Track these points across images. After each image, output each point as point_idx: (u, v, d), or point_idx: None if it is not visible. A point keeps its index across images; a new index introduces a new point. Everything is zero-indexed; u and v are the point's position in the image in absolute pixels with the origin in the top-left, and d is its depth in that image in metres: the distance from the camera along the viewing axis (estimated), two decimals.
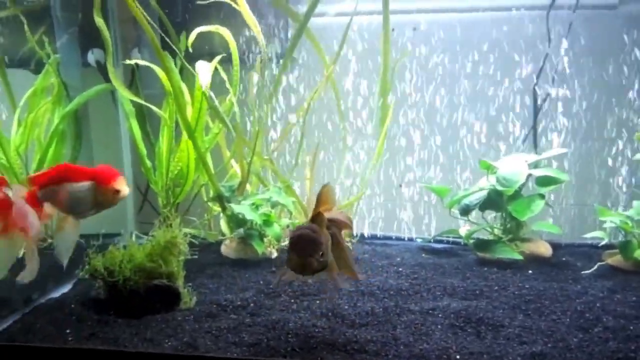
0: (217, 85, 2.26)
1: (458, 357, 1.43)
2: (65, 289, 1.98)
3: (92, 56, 2.45)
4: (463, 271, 2.11)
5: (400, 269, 2.15)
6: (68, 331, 1.62)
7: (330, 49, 2.46)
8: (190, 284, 1.90)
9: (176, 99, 2.18)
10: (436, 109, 2.61)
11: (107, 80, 2.32)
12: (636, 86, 2.45)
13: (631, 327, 1.59)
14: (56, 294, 1.93)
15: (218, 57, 2.21)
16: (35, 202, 1.60)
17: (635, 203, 2.12)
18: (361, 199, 2.57)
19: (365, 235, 2.61)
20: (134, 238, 2.39)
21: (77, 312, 1.74)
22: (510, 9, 2.52)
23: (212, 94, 2.13)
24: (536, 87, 2.52)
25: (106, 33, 2.21)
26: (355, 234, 2.55)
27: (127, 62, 2.29)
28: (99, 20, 2.19)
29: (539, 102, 2.53)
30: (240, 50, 2.36)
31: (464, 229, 2.34)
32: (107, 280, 1.72)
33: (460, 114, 2.60)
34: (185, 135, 2.29)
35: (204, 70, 2.16)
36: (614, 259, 2.10)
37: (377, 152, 2.49)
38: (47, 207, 1.62)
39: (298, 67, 2.58)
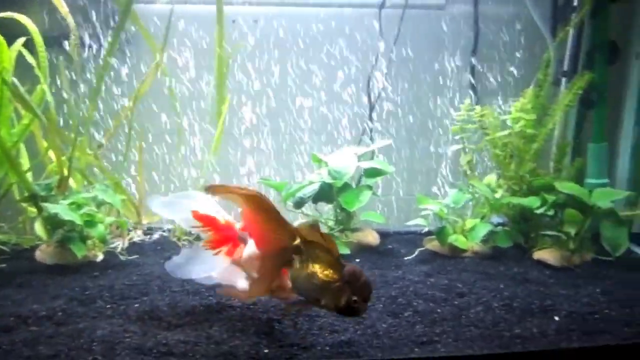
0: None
1: (266, 351, 1.42)
2: None
3: None
4: None
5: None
6: None
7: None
8: None
9: None
10: (272, 103, 2.62)
11: None
12: (456, 82, 2.66)
13: (439, 310, 1.69)
14: None
15: (22, 40, 1.99)
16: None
17: (451, 191, 2.28)
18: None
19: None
20: None
21: None
22: (344, 5, 2.59)
23: (15, 80, 1.91)
24: (370, 83, 2.62)
25: None
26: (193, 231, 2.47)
27: None
28: None
29: (373, 97, 2.63)
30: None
31: (299, 222, 2.35)
32: None
33: (296, 109, 2.63)
34: None
35: None
36: (433, 244, 2.24)
37: (214, 146, 2.43)
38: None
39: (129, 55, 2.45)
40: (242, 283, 1.60)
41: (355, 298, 1.30)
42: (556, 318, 1.65)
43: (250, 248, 1.56)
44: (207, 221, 1.63)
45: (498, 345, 1.47)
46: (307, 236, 1.36)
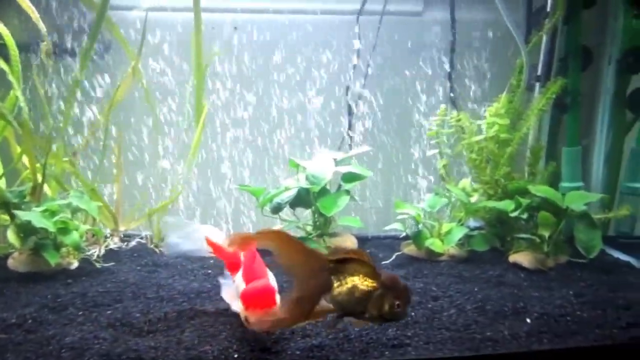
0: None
1: (236, 355, 1.41)
2: None
3: None
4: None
5: (210, 271, 2.10)
6: None
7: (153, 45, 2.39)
8: None
9: None
10: (254, 109, 2.62)
11: None
12: (433, 87, 2.67)
13: (412, 314, 1.69)
14: None
15: None
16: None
17: (427, 196, 2.29)
18: (177, 200, 2.49)
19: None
20: None
21: None
22: (322, 13, 2.60)
23: None
24: (349, 89, 2.63)
25: None
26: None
27: None
28: None
29: (352, 103, 2.64)
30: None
31: (277, 228, 2.35)
32: None
33: (277, 114, 2.63)
34: None
35: None
36: (410, 249, 2.25)
37: (191, 152, 2.42)
38: None
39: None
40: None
41: (398, 302, 1.31)
42: (528, 320, 1.66)
43: (238, 279, 1.57)
44: (217, 249, 1.71)
45: (468, 348, 1.47)
46: (338, 254, 1.35)
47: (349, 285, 1.32)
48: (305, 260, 1.34)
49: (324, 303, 1.36)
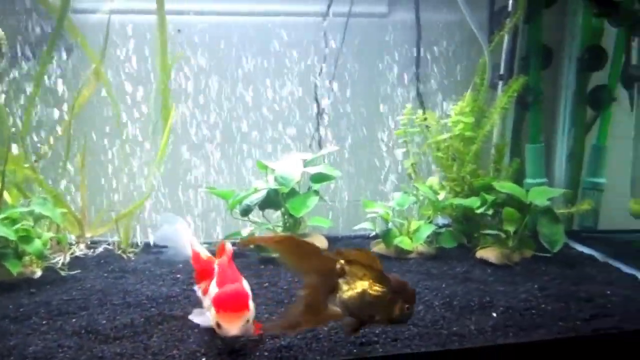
0: None
1: (204, 359, 1.40)
2: None
3: None
4: (240, 272, 2.10)
5: (179, 276, 2.07)
6: None
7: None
8: None
9: None
10: (222, 111, 2.60)
11: None
12: (400, 88, 2.70)
13: None
14: None
15: None
16: None
17: (396, 194, 2.31)
18: (144, 205, 2.45)
19: (152, 243, 2.47)
20: None
21: None
22: (287, 15, 2.60)
23: None
24: (317, 90, 2.63)
25: None
26: (139, 243, 2.43)
27: None
28: None
29: (320, 104, 2.65)
30: None
31: (246, 230, 2.34)
32: None
33: (245, 116, 2.62)
34: None
35: None
36: (379, 247, 2.27)
37: (159, 156, 2.39)
38: None
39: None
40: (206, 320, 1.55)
41: (407, 305, 1.33)
42: (494, 314, 1.69)
43: (213, 288, 1.54)
44: (194, 256, 1.71)
45: (435, 344, 1.49)
46: (348, 256, 1.35)
47: (359, 290, 1.33)
48: (315, 263, 1.35)
49: (332, 307, 1.37)
